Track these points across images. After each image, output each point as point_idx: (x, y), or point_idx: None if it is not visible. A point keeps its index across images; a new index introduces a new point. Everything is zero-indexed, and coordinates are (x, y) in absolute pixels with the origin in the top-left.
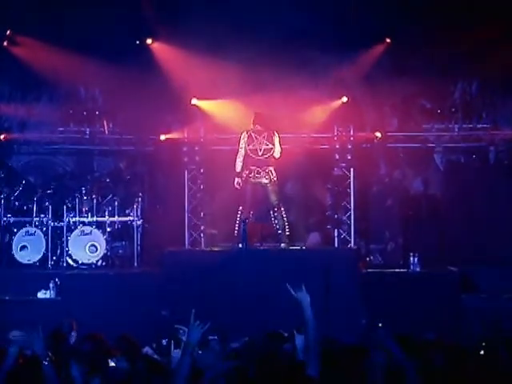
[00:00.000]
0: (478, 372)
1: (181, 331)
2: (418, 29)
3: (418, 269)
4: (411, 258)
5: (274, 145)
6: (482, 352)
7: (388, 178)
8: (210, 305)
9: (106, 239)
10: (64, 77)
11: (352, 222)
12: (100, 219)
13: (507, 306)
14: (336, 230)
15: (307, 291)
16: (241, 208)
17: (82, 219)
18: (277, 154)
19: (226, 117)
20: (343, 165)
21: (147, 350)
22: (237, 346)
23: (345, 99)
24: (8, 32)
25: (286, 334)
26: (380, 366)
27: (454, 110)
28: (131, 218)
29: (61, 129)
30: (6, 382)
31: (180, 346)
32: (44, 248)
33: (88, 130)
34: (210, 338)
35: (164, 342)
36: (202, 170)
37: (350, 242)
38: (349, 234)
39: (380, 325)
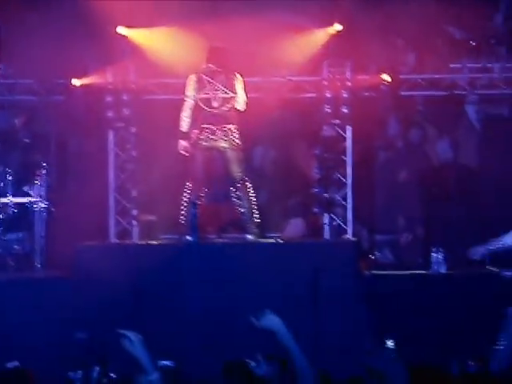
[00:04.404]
0: None
1: None
2: None
3: (443, 270)
4: (434, 255)
5: (235, 92)
6: None
7: (401, 140)
8: (145, 324)
9: None
10: None
11: (349, 203)
12: None
13: None
14: (327, 215)
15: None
16: (189, 184)
17: None
18: (240, 106)
19: (167, 52)
20: (336, 121)
21: None
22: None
23: (338, 27)
24: None
25: (252, 363)
26: None
27: (494, 41)
28: (31, 200)
29: None
30: None
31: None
32: None
33: None
34: None
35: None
36: (133, 130)
37: (346, 231)
38: (345, 220)
39: (389, 344)
